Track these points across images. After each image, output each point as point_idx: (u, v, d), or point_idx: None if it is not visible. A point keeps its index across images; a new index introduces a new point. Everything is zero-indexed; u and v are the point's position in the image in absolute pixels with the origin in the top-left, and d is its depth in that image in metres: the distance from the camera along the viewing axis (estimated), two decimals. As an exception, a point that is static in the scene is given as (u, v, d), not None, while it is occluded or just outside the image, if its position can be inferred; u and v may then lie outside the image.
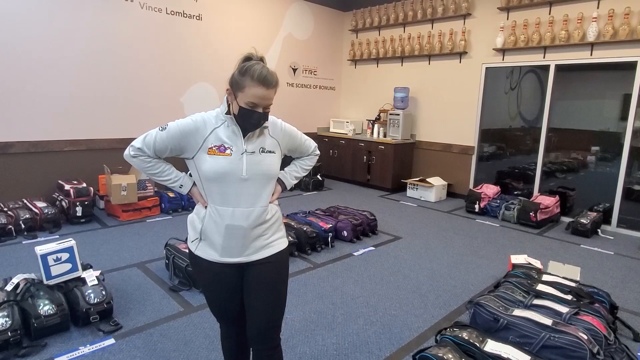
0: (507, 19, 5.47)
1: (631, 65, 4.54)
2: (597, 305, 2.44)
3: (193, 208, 1.59)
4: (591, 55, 4.83)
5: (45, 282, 2.45)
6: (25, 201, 4.28)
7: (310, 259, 3.63)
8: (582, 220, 4.56)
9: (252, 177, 1.45)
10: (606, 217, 4.82)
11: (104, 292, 2.50)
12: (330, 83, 7.71)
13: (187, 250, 2.90)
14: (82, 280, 2.54)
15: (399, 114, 6.40)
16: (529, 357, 1.89)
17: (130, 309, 2.66)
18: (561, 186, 5.31)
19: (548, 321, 2.15)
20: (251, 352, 1.61)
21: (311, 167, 1.85)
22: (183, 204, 5.03)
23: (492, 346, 1.96)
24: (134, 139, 1.51)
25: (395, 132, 6.48)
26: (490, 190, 5.53)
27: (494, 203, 5.27)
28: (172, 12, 5.37)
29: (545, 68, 5.19)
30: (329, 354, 2.26)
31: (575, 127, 5.13)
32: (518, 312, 2.28)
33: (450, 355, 1.87)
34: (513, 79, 5.59)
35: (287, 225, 3.81)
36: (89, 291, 2.47)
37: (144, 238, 4.02)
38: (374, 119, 7.00)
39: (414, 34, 6.53)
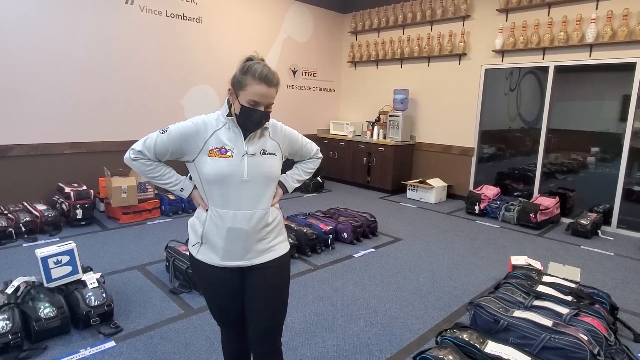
0: (506, 20, 5.49)
1: (630, 66, 4.55)
2: (597, 306, 2.44)
3: (193, 210, 1.59)
4: (590, 56, 4.84)
5: (45, 284, 2.45)
6: (25, 204, 4.29)
7: (311, 261, 3.63)
8: (582, 221, 4.56)
9: (253, 179, 1.45)
10: (606, 218, 4.82)
11: (104, 295, 2.50)
12: (330, 85, 7.72)
13: (187, 253, 2.89)
14: (82, 283, 2.55)
15: (398, 116, 6.40)
16: (530, 358, 1.89)
17: (131, 311, 2.67)
18: (561, 187, 5.31)
19: (548, 322, 2.15)
20: (252, 356, 1.61)
21: (314, 170, 1.84)
22: (183, 206, 5.03)
23: (492, 347, 1.96)
24: (134, 141, 1.51)
25: (395, 133, 6.48)
26: (490, 191, 5.54)
27: (494, 204, 5.27)
28: (172, 15, 5.38)
29: (545, 69, 5.20)
30: (330, 356, 2.26)
31: (574, 128, 5.14)
32: (518, 313, 2.28)
33: (450, 357, 1.87)
34: (512, 80, 5.60)
35: (287, 227, 3.80)
36: (90, 294, 2.47)
37: (144, 240, 4.02)
38: (373, 120, 7.00)
39: (414, 35, 6.54)
